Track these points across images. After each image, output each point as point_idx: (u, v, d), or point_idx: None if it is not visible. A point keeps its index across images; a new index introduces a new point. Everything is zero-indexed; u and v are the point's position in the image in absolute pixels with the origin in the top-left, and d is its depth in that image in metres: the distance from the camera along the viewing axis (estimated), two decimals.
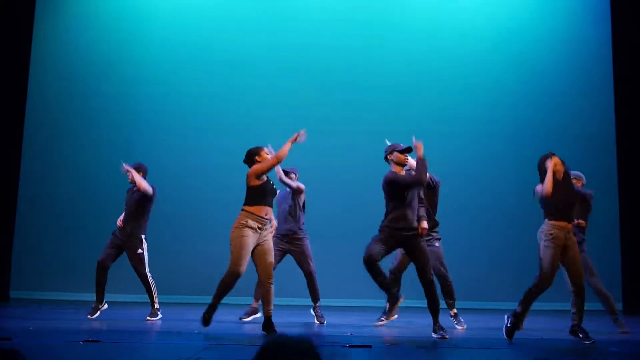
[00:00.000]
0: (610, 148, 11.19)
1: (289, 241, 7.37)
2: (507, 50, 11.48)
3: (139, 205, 7.43)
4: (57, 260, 10.65)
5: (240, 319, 7.38)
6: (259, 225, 6.13)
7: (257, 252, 6.20)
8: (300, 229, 7.42)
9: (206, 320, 6.19)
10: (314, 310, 7.45)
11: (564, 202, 5.96)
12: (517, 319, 5.97)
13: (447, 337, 6.09)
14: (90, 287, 7.57)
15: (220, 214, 9.42)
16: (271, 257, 6.23)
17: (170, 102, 11.19)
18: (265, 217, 6.16)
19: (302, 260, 7.38)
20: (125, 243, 7.36)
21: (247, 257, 6.11)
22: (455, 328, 7.11)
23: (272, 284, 6.19)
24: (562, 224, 5.93)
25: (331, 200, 10.61)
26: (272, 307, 6.19)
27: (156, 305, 7.40)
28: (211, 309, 6.21)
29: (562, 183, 6.01)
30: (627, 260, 10.69)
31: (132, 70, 11.26)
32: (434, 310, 6.15)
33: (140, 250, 7.37)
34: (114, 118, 11.12)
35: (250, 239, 6.08)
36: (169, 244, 10.28)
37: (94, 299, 7.41)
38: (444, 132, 11.14)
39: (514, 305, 8.48)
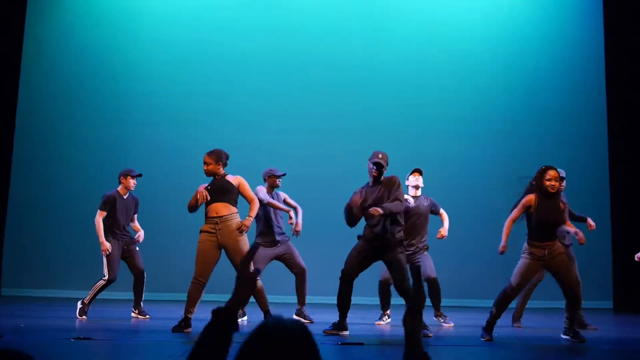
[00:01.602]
0: (602, 146, 11.24)
1: (273, 246, 7.30)
2: (499, 49, 11.50)
3: (133, 210, 7.57)
4: (48, 258, 10.62)
5: None
6: (212, 227, 6.12)
7: (228, 255, 6.21)
8: (283, 232, 7.40)
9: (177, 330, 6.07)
10: (301, 313, 7.35)
11: (545, 221, 5.85)
12: (492, 320, 5.96)
13: (431, 335, 6.09)
14: (82, 285, 7.55)
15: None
16: (235, 257, 6.13)
17: (161, 101, 11.16)
18: (216, 216, 6.13)
19: (294, 261, 7.36)
20: (128, 245, 7.42)
21: (205, 263, 6.09)
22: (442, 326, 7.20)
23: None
24: (542, 243, 5.86)
25: (327, 196, 10.60)
26: (267, 304, 6.28)
27: (141, 304, 7.47)
28: (185, 322, 6.09)
29: (549, 200, 5.87)
30: (618, 258, 10.73)
31: (124, 69, 11.21)
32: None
33: (137, 248, 7.49)
34: (105, 116, 11.09)
35: (207, 243, 6.12)
36: (159, 242, 10.26)
37: (85, 298, 7.37)
38: (436, 131, 11.16)
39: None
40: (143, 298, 7.46)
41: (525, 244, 5.96)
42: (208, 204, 6.18)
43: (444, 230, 7.32)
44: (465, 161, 11.12)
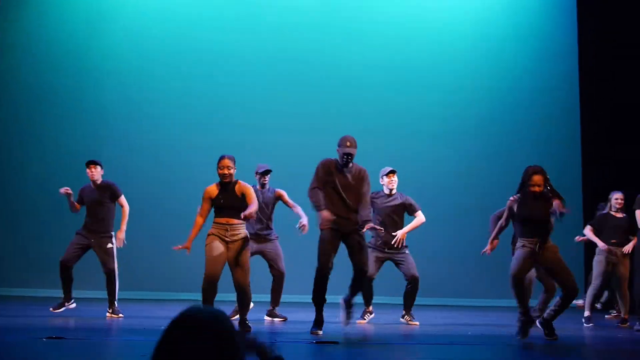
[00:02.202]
0: (575, 144, 11.34)
1: (261, 242, 7.29)
2: (473, 47, 11.52)
3: (102, 202, 7.34)
4: (20, 256, 10.48)
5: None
6: (222, 232, 6.13)
7: (228, 259, 6.20)
8: (272, 229, 7.38)
9: None
10: (273, 313, 7.40)
11: (528, 219, 5.87)
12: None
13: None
14: (54, 284, 7.45)
15: (189, 209, 9.33)
16: (238, 269, 6.13)
17: (141, 97, 11.05)
18: (227, 223, 6.14)
19: (276, 263, 7.33)
20: (95, 241, 7.26)
21: (215, 262, 6.06)
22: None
23: (236, 281, 6.16)
24: (532, 240, 5.87)
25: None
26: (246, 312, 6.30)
27: (116, 305, 7.34)
28: None
29: (536, 200, 5.88)
30: (589, 257, 10.82)
31: (101, 63, 11.08)
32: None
33: (110, 245, 7.28)
34: (87, 113, 10.98)
35: (215, 244, 6.11)
36: (135, 240, 10.15)
37: (62, 296, 7.30)
38: (411, 129, 11.16)
39: (479, 302, 8.58)
40: (117, 297, 7.31)
41: (518, 242, 5.98)
42: (220, 215, 6.20)
43: (401, 231, 7.19)
44: (442, 160, 11.16)
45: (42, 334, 5.41)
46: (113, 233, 7.35)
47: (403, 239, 7.20)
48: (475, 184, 11.04)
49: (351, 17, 11.51)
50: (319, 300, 6.16)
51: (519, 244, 5.93)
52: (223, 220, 6.17)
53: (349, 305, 6.27)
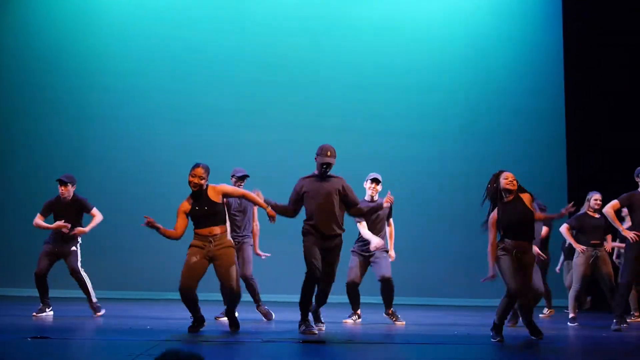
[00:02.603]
0: (560, 132, 11.41)
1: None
2: (459, 49, 11.58)
3: (76, 214, 7.40)
4: (4, 255, 10.43)
5: (217, 318, 7.25)
6: (204, 244, 5.97)
7: (216, 268, 6.10)
8: (241, 235, 7.26)
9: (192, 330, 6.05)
10: (260, 309, 7.42)
11: (513, 222, 5.85)
12: (496, 330, 5.92)
13: (317, 332, 6.09)
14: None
15: (175, 210, 9.31)
16: (223, 270, 5.99)
17: (122, 96, 11.04)
18: (209, 235, 5.98)
19: (243, 265, 7.20)
20: (59, 250, 7.30)
21: (190, 277, 5.90)
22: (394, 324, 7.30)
23: (229, 288, 6.05)
24: (515, 242, 5.85)
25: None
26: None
27: (94, 300, 7.34)
28: (195, 322, 6.08)
29: (511, 203, 5.89)
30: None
31: (87, 63, 11.09)
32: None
33: (74, 248, 7.34)
34: (69, 111, 10.96)
35: (194, 258, 5.96)
36: (118, 241, 10.14)
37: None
38: (396, 130, 11.20)
39: (463, 301, 8.58)
40: (93, 295, 7.33)
41: (500, 242, 5.97)
42: (200, 226, 6.02)
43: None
44: (425, 161, 11.20)
45: (27, 333, 5.39)
46: (79, 238, 7.40)
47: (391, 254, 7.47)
48: (461, 184, 11.06)
49: (344, 19, 11.55)
50: (305, 306, 6.13)
51: (501, 244, 5.91)
52: (205, 231, 5.99)
53: (316, 317, 6.36)
